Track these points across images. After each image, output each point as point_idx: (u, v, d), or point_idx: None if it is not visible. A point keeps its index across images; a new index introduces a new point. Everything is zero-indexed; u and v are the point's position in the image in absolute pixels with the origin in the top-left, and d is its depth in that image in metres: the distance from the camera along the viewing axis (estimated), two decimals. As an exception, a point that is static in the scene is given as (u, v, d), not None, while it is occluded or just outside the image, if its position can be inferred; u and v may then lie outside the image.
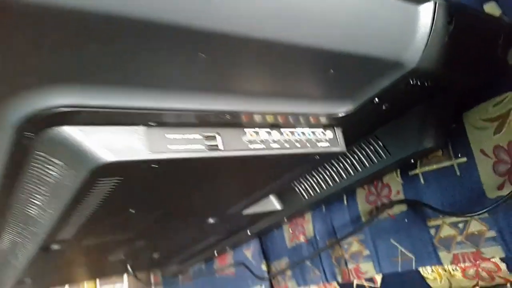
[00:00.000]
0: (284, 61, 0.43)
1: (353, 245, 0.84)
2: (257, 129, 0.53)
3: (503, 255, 0.61)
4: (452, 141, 0.69)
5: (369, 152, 0.73)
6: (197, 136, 0.47)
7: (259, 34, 0.37)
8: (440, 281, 0.69)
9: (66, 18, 0.28)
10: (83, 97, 0.37)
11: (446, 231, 0.68)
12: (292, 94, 0.52)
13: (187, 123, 0.46)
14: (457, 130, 0.68)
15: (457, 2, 0.53)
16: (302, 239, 0.96)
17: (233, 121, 0.50)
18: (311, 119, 0.57)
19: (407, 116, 0.67)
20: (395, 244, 0.76)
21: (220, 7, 0.35)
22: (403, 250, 0.75)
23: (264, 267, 1.06)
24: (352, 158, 0.76)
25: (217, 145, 0.48)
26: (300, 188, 0.87)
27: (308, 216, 0.95)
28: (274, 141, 0.54)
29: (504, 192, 0.62)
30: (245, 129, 0.52)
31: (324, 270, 0.90)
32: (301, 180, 0.85)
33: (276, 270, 1.04)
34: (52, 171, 0.43)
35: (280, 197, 0.92)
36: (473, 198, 0.67)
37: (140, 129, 0.43)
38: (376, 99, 0.55)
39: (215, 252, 1.17)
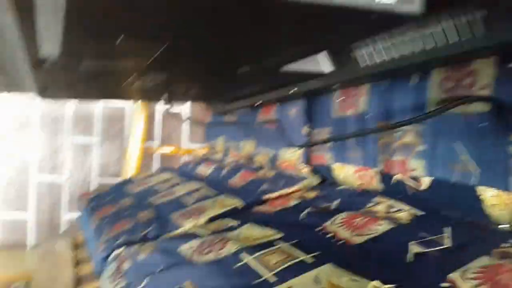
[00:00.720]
0: None
1: (408, 135, 0.69)
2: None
3: None
4: None
5: (461, 22, 0.52)
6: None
7: None
8: (500, 210, 0.54)
9: None
10: None
11: (532, 154, 0.50)
12: None
13: None
14: None
15: None
16: (350, 112, 0.81)
17: None
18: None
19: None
20: (459, 148, 0.60)
21: None
22: (465, 158, 0.59)
23: (304, 131, 0.96)
24: (432, 25, 0.55)
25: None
26: (359, 52, 0.68)
27: (365, 89, 0.78)
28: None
29: None
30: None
31: (366, 153, 0.78)
32: (362, 43, 0.66)
33: (316, 138, 0.93)
34: None
35: (334, 58, 0.75)
36: None
37: None
38: None
39: (259, 101, 1.08)
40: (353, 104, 0.81)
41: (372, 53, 0.66)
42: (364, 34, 0.62)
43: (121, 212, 1.02)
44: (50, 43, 0.48)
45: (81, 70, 0.65)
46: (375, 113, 0.76)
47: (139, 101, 1.54)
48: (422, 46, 0.58)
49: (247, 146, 1.25)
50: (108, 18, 0.42)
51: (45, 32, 0.45)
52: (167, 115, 1.84)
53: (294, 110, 1.01)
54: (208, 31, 0.51)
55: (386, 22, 0.54)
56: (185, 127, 1.89)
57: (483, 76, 0.57)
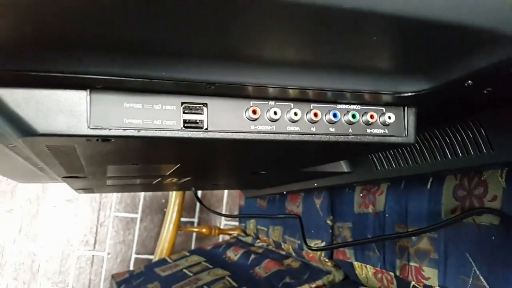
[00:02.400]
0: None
1: (423, 241, 0.67)
2: (267, 102, 0.38)
3: None
4: None
5: (466, 140, 0.52)
6: (170, 107, 0.35)
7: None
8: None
9: None
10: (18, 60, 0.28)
11: (544, 278, 0.48)
12: (337, 65, 0.35)
13: (156, 89, 0.34)
14: None
15: None
16: (370, 209, 0.81)
17: (233, 91, 0.36)
18: (365, 96, 0.40)
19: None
20: (471, 261, 0.57)
21: None
22: (477, 272, 0.56)
23: (329, 222, 0.95)
24: (441, 140, 0.56)
25: (201, 121, 0.36)
26: (374, 157, 0.70)
27: (384, 187, 0.78)
28: (293, 122, 0.39)
29: None
30: (251, 101, 0.38)
31: (384, 256, 0.76)
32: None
33: (338, 231, 0.92)
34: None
35: (351, 160, 0.76)
36: None
37: (83, 94, 0.33)
38: (469, 82, 0.36)
39: (284, 191, 1.09)
40: (373, 201, 0.81)
41: (387, 158, 0.67)
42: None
43: (146, 299, 1.03)
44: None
45: (108, 181, 0.71)
46: (392, 213, 0.75)
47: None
48: (433, 156, 0.58)
49: (275, 233, 1.25)
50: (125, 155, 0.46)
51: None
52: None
53: (319, 202, 1.01)
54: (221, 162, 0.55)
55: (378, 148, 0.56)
56: (224, 206, 1.93)
57: (493, 187, 0.56)
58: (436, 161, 0.59)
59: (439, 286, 0.62)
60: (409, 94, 0.39)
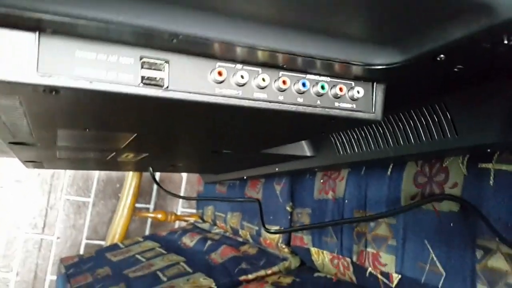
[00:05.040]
0: None
1: (381, 227, 0.67)
2: (234, 65, 0.36)
3: None
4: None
5: (430, 124, 0.52)
6: (127, 61, 0.32)
7: None
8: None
9: None
10: None
11: (498, 262, 0.48)
12: (308, 26, 0.33)
13: (113, 38, 0.31)
14: None
15: None
16: (330, 195, 0.80)
17: (198, 48, 0.33)
18: (335, 66, 0.38)
19: (496, 88, 0.44)
20: (428, 247, 0.58)
21: None
22: (434, 258, 0.56)
23: (289, 208, 0.94)
24: (405, 124, 0.56)
25: (162, 83, 0.33)
26: (337, 141, 0.69)
27: (344, 173, 0.78)
28: (260, 88, 0.37)
29: None
30: (217, 63, 0.35)
31: (341, 242, 0.76)
32: (339, 132, 0.67)
33: (297, 217, 0.91)
34: None
35: (314, 145, 0.75)
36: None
37: (31, 37, 0.29)
38: (442, 56, 0.35)
39: (244, 176, 1.07)
40: (333, 187, 0.80)
41: (350, 142, 0.66)
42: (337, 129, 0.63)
43: (95, 283, 0.98)
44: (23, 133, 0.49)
45: (59, 153, 0.66)
46: (351, 199, 0.75)
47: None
48: (396, 141, 0.58)
49: (233, 219, 1.23)
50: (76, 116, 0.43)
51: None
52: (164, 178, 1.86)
53: (279, 188, 1.00)
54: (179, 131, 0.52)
55: (346, 125, 0.55)
56: (182, 193, 1.89)
57: (454, 174, 0.56)
58: (399, 146, 0.58)
59: (396, 272, 0.62)
60: (380, 67, 0.38)
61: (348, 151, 0.67)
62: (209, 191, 1.47)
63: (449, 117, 0.50)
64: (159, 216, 1.61)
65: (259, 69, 0.37)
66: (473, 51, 0.34)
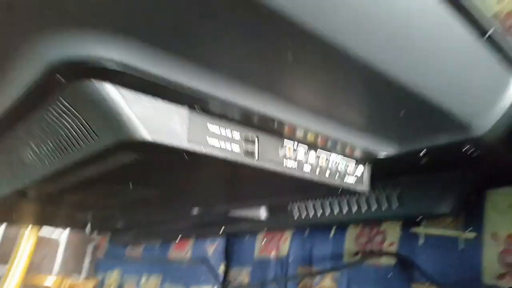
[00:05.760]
0: (354, 81, 0.38)
1: (326, 280, 0.80)
2: (296, 145, 0.48)
3: None
4: (467, 214, 0.66)
5: (382, 196, 0.69)
6: (237, 136, 0.41)
7: (352, 46, 0.32)
8: None
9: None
10: (133, 56, 0.31)
11: (433, 301, 0.66)
12: (340, 118, 0.47)
13: (229, 117, 0.40)
14: (475, 205, 0.65)
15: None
16: (272, 255, 0.91)
17: (275, 129, 0.44)
18: (348, 150, 0.52)
19: (435, 175, 0.63)
20: (372, 296, 0.73)
21: (328, 9, 0.29)
22: (379, 305, 0.72)
23: (221, 269, 1.01)
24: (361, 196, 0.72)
25: (253, 152, 0.43)
26: (293, 207, 0.82)
27: (288, 234, 0.90)
28: (308, 163, 0.49)
29: (504, 284, 0.60)
30: (285, 141, 0.47)
31: (287, 296, 0.86)
32: (299, 200, 0.80)
33: (234, 277, 0.99)
34: (70, 124, 0.36)
35: (269, 208, 0.87)
36: (467, 278, 0.64)
37: (183, 111, 0.37)
38: (424, 152, 0.51)
39: (179, 236, 1.11)
40: (276, 247, 0.92)
41: (305, 208, 0.80)
42: (307, 197, 0.76)
43: None
44: None
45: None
46: (296, 257, 0.87)
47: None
48: (349, 208, 0.74)
49: (151, 282, 1.22)
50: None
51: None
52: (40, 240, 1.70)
53: (212, 247, 1.07)
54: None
55: (335, 192, 0.69)
56: (60, 255, 1.74)
57: (391, 235, 0.74)
58: (350, 212, 0.74)
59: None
60: (382, 156, 0.53)
61: (303, 215, 0.81)
62: (115, 254, 1.42)
63: (399, 192, 0.68)
64: (54, 280, 1.48)
65: (306, 147, 0.49)
66: (449, 152, 0.51)
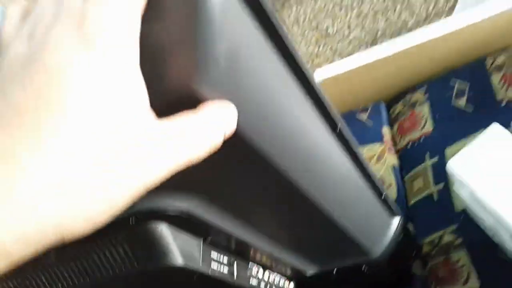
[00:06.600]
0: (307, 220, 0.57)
1: None
2: (257, 266, 0.62)
3: None
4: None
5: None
6: (225, 260, 0.55)
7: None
8: None
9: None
10: (194, 206, 0.45)
11: None
12: (289, 244, 0.64)
13: (224, 245, 0.54)
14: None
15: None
16: None
17: (244, 252, 0.59)
18: (286, 269, 0.68)
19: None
20: None
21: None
22: None
23: None
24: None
25: (233, 273, 0.56)
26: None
27: None
28: (265, 282, 0.63)
29: None
30: (250, 263, 0.61)
31: None
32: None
33: None
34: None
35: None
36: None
37: (199, 241, 0.50)
38: (335, 271, 0.70)
39: None
40: None
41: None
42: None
43: None
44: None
45: None
46: None
47: None
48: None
49: None
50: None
51: None
52: None
53: None
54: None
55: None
56: None
57: None
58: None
59: None
60: (308, 274, 0.71)
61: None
62: None
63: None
64: None
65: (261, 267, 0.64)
66: (349, 270, 0.71)
